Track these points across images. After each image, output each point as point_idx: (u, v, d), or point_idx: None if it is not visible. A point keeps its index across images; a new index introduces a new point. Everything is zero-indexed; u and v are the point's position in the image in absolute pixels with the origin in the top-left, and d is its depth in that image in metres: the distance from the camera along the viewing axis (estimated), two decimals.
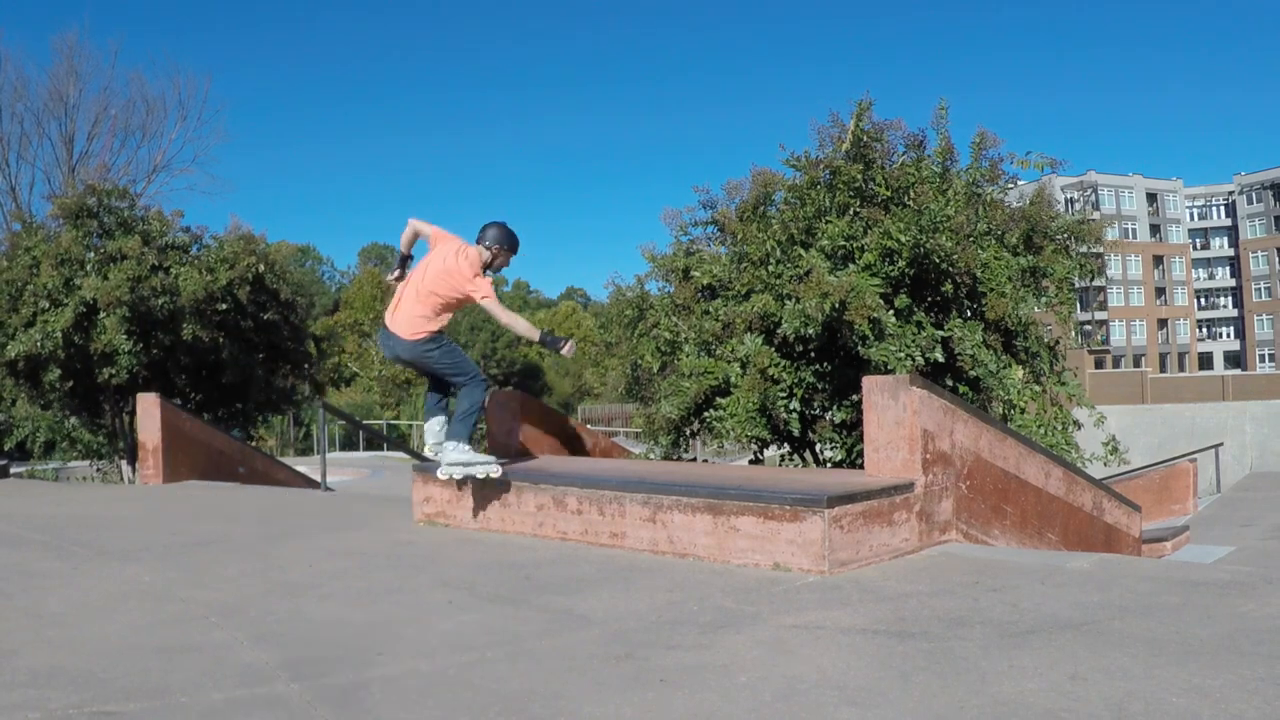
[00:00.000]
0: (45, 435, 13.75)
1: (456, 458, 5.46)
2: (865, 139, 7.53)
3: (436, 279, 5.51)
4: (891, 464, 4.62)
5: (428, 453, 5.84)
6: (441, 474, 5.48)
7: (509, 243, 5.74)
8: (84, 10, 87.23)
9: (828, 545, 4.07)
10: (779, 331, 7.01)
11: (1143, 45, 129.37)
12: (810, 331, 6.72)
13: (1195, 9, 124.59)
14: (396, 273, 5.85)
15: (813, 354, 7.38)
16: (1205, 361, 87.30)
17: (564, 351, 5.68)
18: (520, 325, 5.69)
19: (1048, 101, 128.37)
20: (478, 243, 5.67)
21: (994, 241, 7.36)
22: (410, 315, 5.53)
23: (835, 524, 4.09)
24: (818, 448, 8.01)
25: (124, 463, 11.84)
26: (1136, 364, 71.24)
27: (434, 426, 5.86)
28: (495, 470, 5.48)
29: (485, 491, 5.56)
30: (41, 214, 13.38)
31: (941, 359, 6.79)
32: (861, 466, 4.95)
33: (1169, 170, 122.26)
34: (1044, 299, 7.72)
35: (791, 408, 7.19)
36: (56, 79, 29.09)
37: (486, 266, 5.62)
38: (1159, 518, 13.92)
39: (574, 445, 7.00)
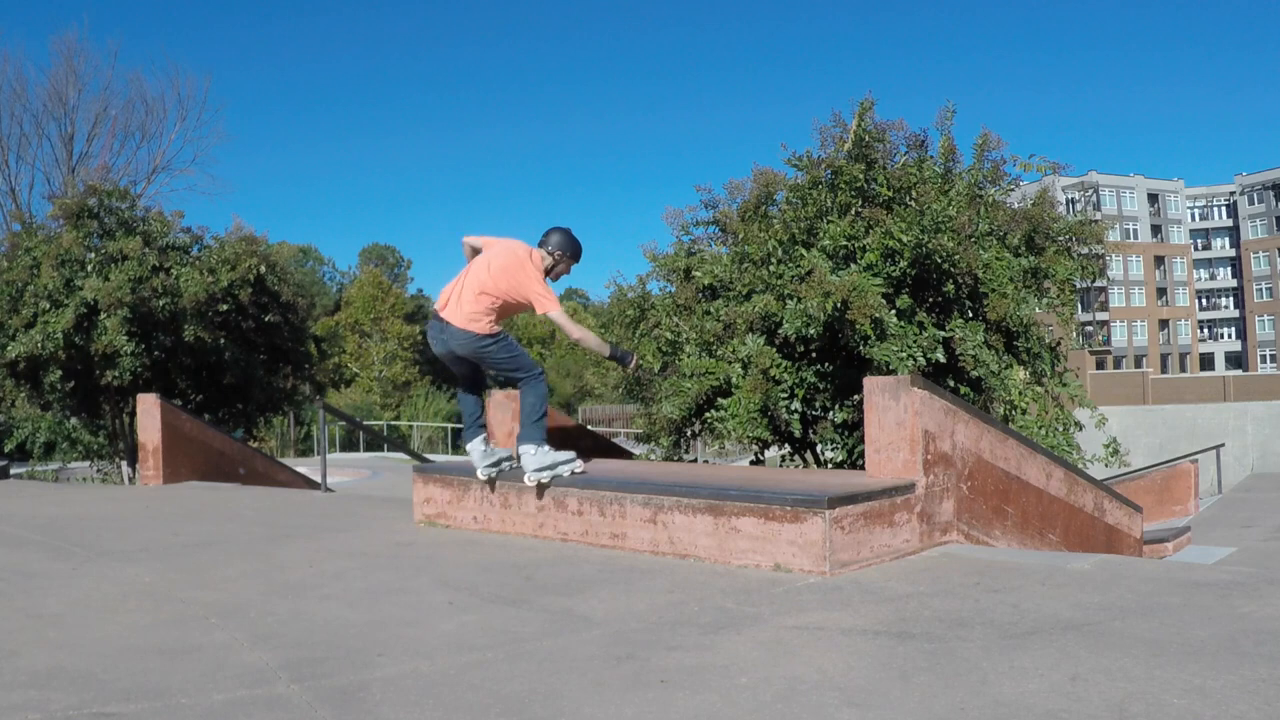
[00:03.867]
0: (45, 436, 13.77)
1: (541, 462, 5.17)
2: (867, 139, 7.54)
3: (499, 276, 5.24)
4: (893, 465, 4.61)
5: (481, 474, 5.48)
6: (530, 480, 5.16)
7: (572, 250, 5.51)
8: (84, 10, 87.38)
9: (829, 546, 4.06)
10: (780, 332, 7.01)
11: (1143, 45, 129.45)
12: (812, 331, 6.72)
13: (1195, 9, 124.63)
14: None
15: (814, 354, 7.38)
16: (1206, 362, 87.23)
17: (630, 368, 5.56)
18: (591, 340, 5.54)
19: (1048, 102, 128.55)
20: (539, 247, 5.48)
21: (996, 242, 7.37)
22: (469, 309, 5.23)
23: (836, 525, 4.08)
24: (819, 448, 8.00)
25: (124, 463, 11.84)
26: (1138, 365, 71.24)
27: (478, 448, 5.53)
28: (579, 465, 5.33)
29: (485, 493, 5.56)
30: (42, 214, 13.43)
31: (943, 359, 6.79)
32: (863, 467, 4.95)
33: (1170, 171, 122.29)
34: (1045, 300, 7.72)
35: (793, 408, 7.19)
36: (56, 80, 29.18)
37: (547, 273, 5.40)
38: (1160, 518, 13.92)
39: (574, 446, 6.98)
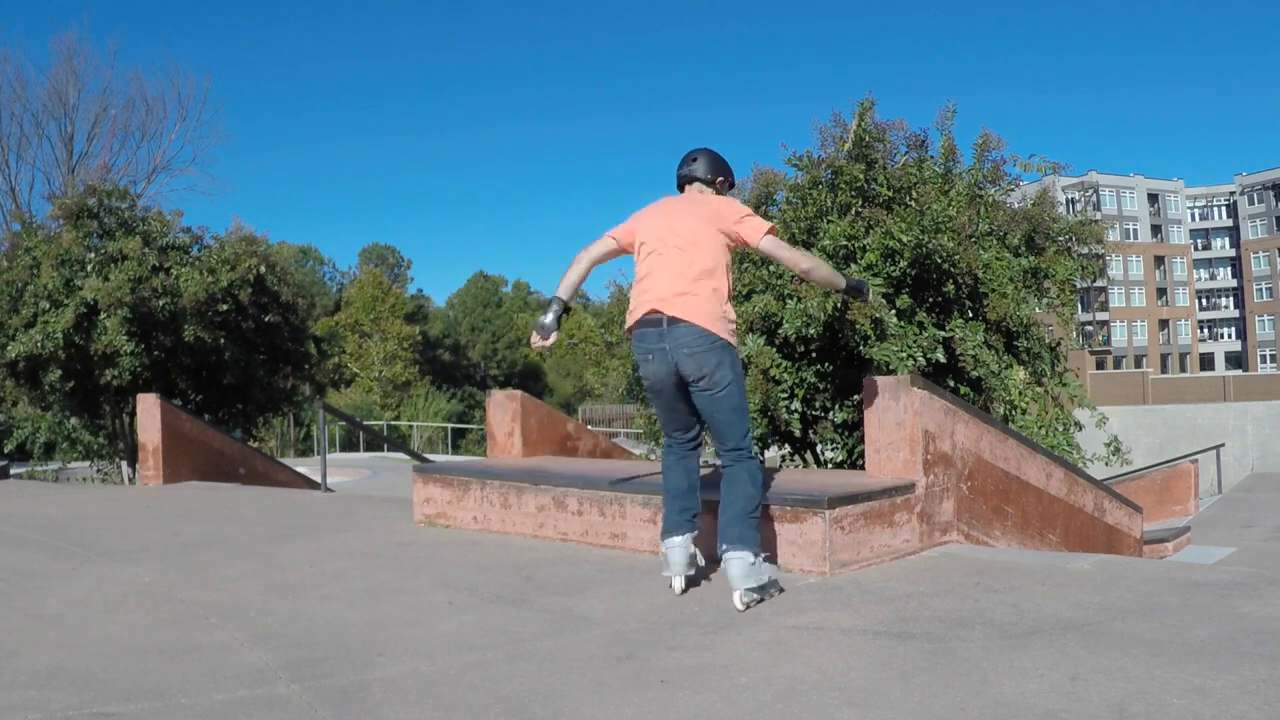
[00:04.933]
0: (45, 436, 13.74)
1: (759, 579, 3.58)
2: (867, 139, 7.54)
3: (703, 224, 3.65)
4: (892, 465, 4.61)
5: (676, 585, 3.78)
6: (739, 601, 3.53)
7: (730, 171, 4.04)
8: (84, 10, 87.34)
9: (828, 546, 4.06)
10: (780, 332, 7.02)
11: (1143, 45, 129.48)
12: (812, 331, 6.72)
13: (1195, 9, 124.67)
14: (551, 336, 3.84)
15: (814, 354, 7.39)
16: (1207, 362, 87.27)
17: (869, 299, 4.24)
18: (823, 270, 3.92)
19: (1049, 102, 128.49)
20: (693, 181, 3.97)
21: (996, 242, 7.37)
22: (700, 294, 3.56)
23: (836, 525, 4.08)
24: (819, 448, 8.01)
25: (124, 463, 11.85)
26: (1138, 365, 71.28)
27: (685, 548, 3.76)
28: (780, 583, 3.79)
29: (486, 493, 5.56)
30: (41, 214, 13.41)
31: (943, 359, 6.79)
32: (862, 467, 4.95)
33: (1170, 170, 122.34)
34: (1045, 300, 7.73)
35: (793, 408, 7.19)
36: (56, 80, 29.27)
37: None
38: (1160, 518, 13.92)
39: (574, 446, 6.99)
